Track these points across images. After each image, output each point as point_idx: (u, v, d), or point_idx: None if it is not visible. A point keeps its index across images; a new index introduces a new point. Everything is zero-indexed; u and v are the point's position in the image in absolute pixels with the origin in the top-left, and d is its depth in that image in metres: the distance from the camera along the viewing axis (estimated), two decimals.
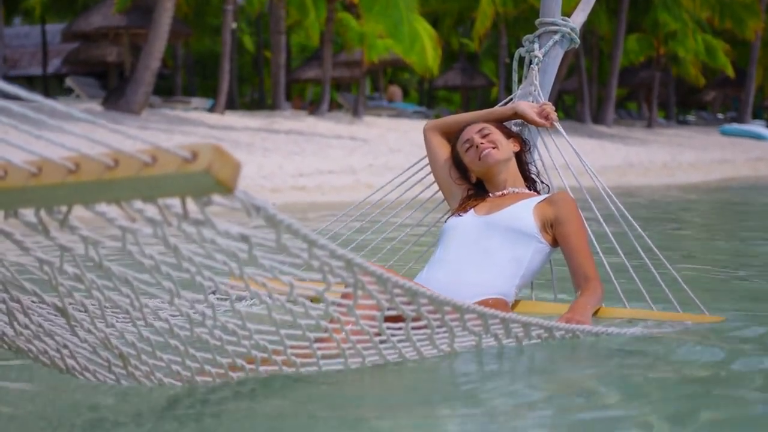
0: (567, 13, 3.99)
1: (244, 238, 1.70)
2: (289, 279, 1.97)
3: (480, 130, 3.61)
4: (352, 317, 2.30)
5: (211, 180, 1.45)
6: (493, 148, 3.56)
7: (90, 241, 1.80)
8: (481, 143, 3.57)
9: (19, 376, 2.76)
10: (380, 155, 17.40)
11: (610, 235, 3.57)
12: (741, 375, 2.69)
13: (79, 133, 1.48)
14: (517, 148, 3.66)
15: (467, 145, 3.61)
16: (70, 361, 2.41)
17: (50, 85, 31.58)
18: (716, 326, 3.30)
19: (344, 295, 2.23)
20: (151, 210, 1.61)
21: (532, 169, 3.73)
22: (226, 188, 1.47)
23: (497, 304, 3.26)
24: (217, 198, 1.53)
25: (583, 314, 3.15)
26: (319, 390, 2.44)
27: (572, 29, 3.95)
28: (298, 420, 2.29)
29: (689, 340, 3.07)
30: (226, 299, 2.09)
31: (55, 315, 2.26)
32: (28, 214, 1.77)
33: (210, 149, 1.43)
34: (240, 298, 2.39)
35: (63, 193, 1.60)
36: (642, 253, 3.50)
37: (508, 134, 3.67)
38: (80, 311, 2.21)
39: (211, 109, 22.92)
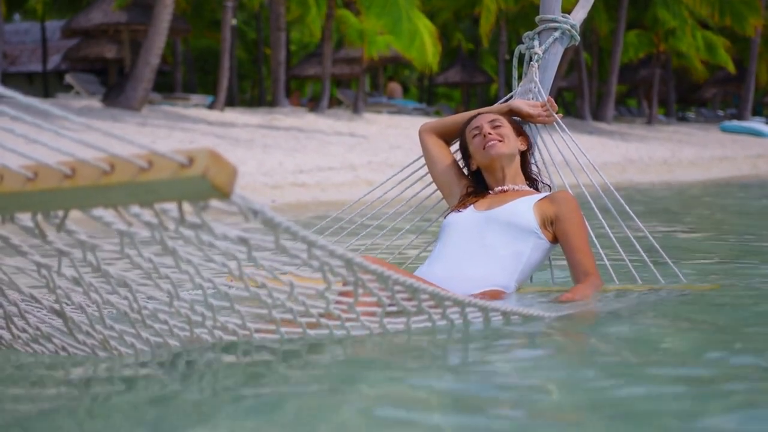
0: (567, 10, 3.98)
1: (243, 241, 1.70)
2: (289, 279, 1.96)
3: (491, 121, 3.61)
4: (353, 314, 2.29)
5: (207, 185, 1.44)
6: (500, 141, 3.55)
7: (87, 245, 1.79)
8: (489, 134, 3.56)
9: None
10: (380, 152, 17.38)
11: (607, 229, 3.61)
12: (732, 341, 2.68)
13: (75, 137, 1.47)
14: (524, 147, 3.65)
15: (475, 132, 3.61)
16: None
17: (50, 82, 31.50)
18: (712, 294, 3.39)
19: (344, 293, 2.22)
20: (148, 214, 1.60)
21: (534, 169, 3.73)
22: (223, 193, 1.46)
23: (496, 295, 3.28)
24: (214, 202, 1.53)
25: (583, 296, 3.20)
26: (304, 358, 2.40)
27: (572, 26, 3.93)
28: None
29: (685, 307, 3.13)
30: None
31: (53, 318, 2.25)
32: (25, 218, 1.76)
33: (206, 154, 1.42)
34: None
35: (59, 198, 1.59)
36: (640, 249, 3.54)
37: (519, 131, 3.66)
38: (78, 314, 2.20)
39: (211, 106, 22.87)
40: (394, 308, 2.33)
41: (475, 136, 3.60)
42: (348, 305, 2.23)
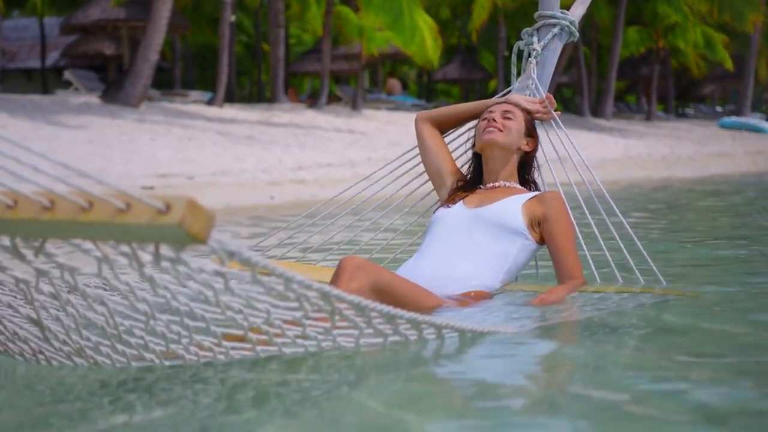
0: (566, 5, 3.98)
1: (219, 274, 1.73)
2: (266, 306, 1.99)
3: (505, 111, 3.61)
4: (329, 336, 2.31)
5: (183, 233, 1.47)
6: (500, 130, 3.55)
7: (66, 267, 1.82)
8: (494, 120, 3.56)
9: None
10: (379, 148, 17.41)
11: (594, 226, 3.64)
12: (714, 350, 2.70)
13: (53, 174, 1.49)
14: (527, 149, 3.62)
15: (486, 115, 3.61)
16: (45, 364, 2.45)
17: (48, 79, 31.44)
18: (693, 301, 3.40)
19: (320, 319, 2.24)
20: (125, 247, 1.63)
21: (535, 176, 3.70)
22: (199, 240, 1.49)
23: (481, 297, 3.30)
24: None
25: (558, 298, 3.22)
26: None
27: (571, 22, 3.94)
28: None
29: (664, 314, 3.14)
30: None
31: (30, 325, 2.29)
32: (4, 239, 1.79)
33: (183, 203, 1.45)
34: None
35: (38, 228, 1.62)
36: (625, 251, 3.60)
37: (529, 133, 3.64)
38: (55, 324, 2.23)
39: (210, 102, 22.90)
40: (370, 331, 2.35)
41: (484, 118, 3.61)
42: (324, 329, 2.25)
